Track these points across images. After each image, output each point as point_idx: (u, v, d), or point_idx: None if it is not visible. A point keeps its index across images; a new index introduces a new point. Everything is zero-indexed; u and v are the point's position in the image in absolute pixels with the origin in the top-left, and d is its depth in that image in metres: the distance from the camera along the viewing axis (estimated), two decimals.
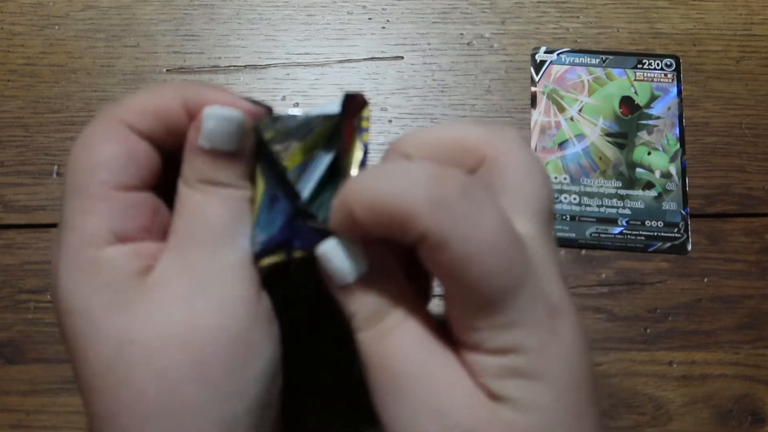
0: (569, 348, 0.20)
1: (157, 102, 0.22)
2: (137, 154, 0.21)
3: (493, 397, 0.19)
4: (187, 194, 0.21)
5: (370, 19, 0.39)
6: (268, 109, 0.23)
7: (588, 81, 0.38)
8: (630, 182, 0.37)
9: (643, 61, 0.38)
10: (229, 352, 0.20)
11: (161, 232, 0.22)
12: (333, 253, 0.21)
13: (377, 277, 0.21)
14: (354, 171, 0.24)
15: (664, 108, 0.38)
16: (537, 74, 0.38)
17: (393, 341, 0.20)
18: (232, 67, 0.38)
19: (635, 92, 0.38)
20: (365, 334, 0.21)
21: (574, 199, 0.36)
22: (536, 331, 0.19)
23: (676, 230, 0.36)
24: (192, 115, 0.22)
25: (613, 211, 0.36)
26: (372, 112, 0.37)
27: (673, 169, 0.37)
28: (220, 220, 0.21)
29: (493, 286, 0.18)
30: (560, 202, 0.36)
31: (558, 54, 0.38)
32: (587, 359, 0.20)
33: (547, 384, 0.19)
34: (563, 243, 0.36)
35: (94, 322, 0.20)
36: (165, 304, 0.20)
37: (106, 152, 0.21)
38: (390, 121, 0.37)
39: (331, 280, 0.21)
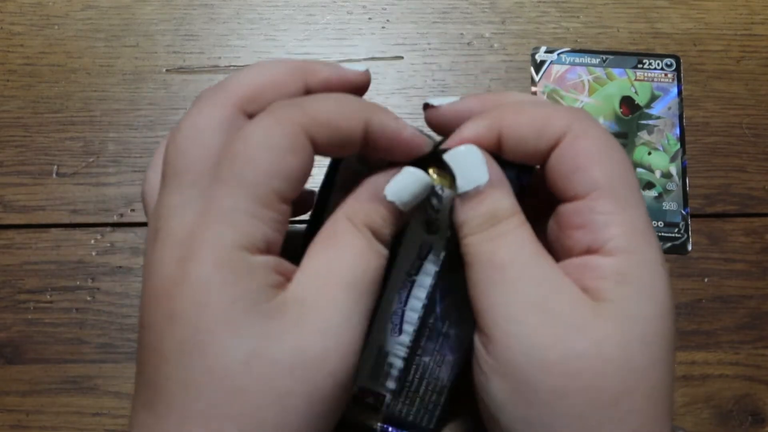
0: (666, 281, 0.22)
1: (342, 121, 0.21)
2: (309, 170, 0.21)
3: (598, 298, 0.21)
4: (349, 232, 0.22)
5: (370, 19, 0.39)
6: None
7: (588, 81, 0.38)
8: None
9: (644, 61, 0.38)
10: (336, 394, 0.20)
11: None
12: (471, 156, 0.23)
13: (499, 187, 0.23)
14: None
15: (664, 108, 0.38)
16: (537, 74, 0.38)
17: (506, 240, 0.22)
18: (232, 67, 0.38)
19: (635, 92, 0.38)
20: (478, 236, 0.22)
21: None
22: (645, 247, 0.21)
23: (676, 230, 0.36)
24: (373, 142, 0.22)
25: None
26: None
27: (673, 169, 0.37)
28: (366, 272, 0.22)
29: (614, 175, 0.22)
30: None
31: (558, 54, 0.38)
32: (673, 314, 0.22)
33: (649, 299, 0.21)
34: None
35: (230, 323, 0.19)
36: (305, 332, 0.20)
37: (292, 164, 0.20)
38: None
39: (461, 183, 0.23)
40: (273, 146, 0.20)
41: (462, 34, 0.39)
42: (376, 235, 0.22)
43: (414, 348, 0.27)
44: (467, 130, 0.23)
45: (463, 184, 0.23)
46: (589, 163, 0.22)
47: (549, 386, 0.20)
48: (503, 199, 0.22)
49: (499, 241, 0.22)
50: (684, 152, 0.37)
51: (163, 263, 0.20)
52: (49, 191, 0.35)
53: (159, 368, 0.20)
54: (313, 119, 0.21)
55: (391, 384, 0.27)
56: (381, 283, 0.22)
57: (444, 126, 0.25)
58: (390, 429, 0.28)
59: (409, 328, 0.26)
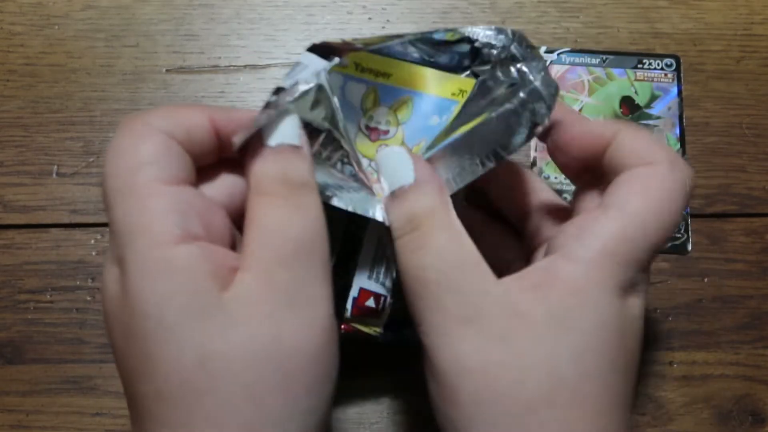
0: (613, 295, 0.21)
1: (179, 109, 0.22)
2: (175, 150, 0.21)
3: (537, 302, 0.21)
4: (263, 206, 0.21)
5: (370, 19, 0.39)
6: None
7: (588, 81, 0.38)
8: None
9: (644, 61, 0.38)
10: (312, 368, 0.20)
11: (221, 237, 0.22)
12: (399, 157, 0.23)
13: (422, 188, 0.23)
14: None
15: (664, 108, 0.38)
16: None
17: (427, 252, 0.22)
18: (232, 67, 0.38)
19: (635, 92, 0.38)
20: (402, 240, 0.22)
21: None
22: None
23: (676, 230, 0.36)
24: (218, 127, 0.22)
25: None
26: None
27: None
28: (304, 234, 0.21)
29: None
30: None
31: (558, 54, 0.38)
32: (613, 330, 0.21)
33: (590, 311, 0.20)
34: None
35: (172, 329, 0.19)
36: (252, 320, 0.20)
37: (147, 150, 0.20)
38: None
39: (390, 181, 0.23)
40: (124, 146, 0.21)
41: None
42: (291, 188, 0.21)
43: None
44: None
45: (390, 184, 0.23)
46: (630, 192, 0.22)
47: (468, 391, 0.20)
48: (423, 199, 0.22)
49: (420, 253, 0.22)
50: (684, 152, 0.37)
51: (109, 282, 0.20)
52: (49, 191, 0.35)
53: (133, 385, 0.20)
54: (153, 114, 0.21)
55: (388, 282, 0.26)
56: (321, 227, 0.21)
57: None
58: (389, 332, 0.27)
59: None
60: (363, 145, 0.27)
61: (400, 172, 0.23)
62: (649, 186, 0.21)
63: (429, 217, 0.22)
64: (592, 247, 0.21)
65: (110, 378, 0.33)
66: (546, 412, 0.20)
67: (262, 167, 0.21)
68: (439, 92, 0.26)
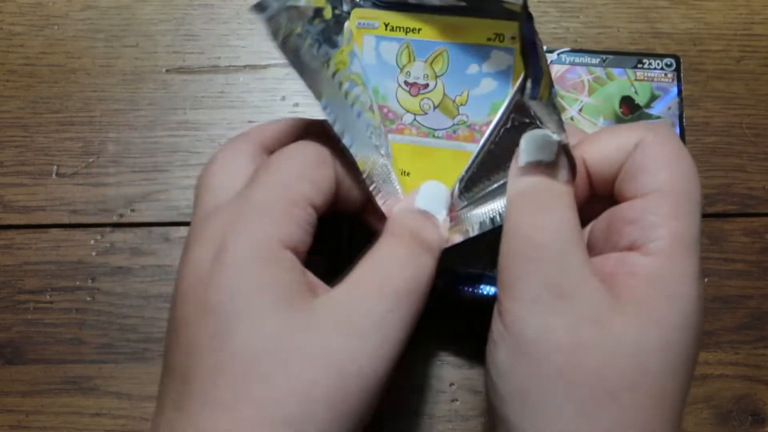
0: (698, 296, 0.21)
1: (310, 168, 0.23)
2: (333, 188, 0.23)
3: (623, 295, 0.21)
4: (391, 244, 0.23)
5: None
6: None
7: (588, 81, 0.38)
8: None
9: (644, 60, 0.38)
10: (363, 396, 0.20)
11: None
12: (544, 138, 0.23)
13: (562, 167, 0.23)
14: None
15: (664, 108, 0.38)
16: None
17: (549, 219, 0.22)
18: (231, 67, 0.38)
19: (635, 92, 0.38)
20: (523, 200, 0.22)
21: None
22: (687, 257, 0.21)
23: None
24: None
25: None
26: None
27: None
28: (412, 281, 0.22)
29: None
30: None
31: (558, 54, 0.38)
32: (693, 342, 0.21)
33: (677, 308, 0.21)
34: None
35: (259, 309, 0.20)
36: (331, 328, 0.20)
37: (321, 173, 0.23)
38: None
39: (529, 155, 0.23)
40: (304, 157, 0.23)
41: None
42: (420, 244, 0.23)
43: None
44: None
45: (528, 156, 0.23)
46: (656, 166, 0.22)
47: (553, 364, 0.20)
48: (561, 173, 0.23)
49: (541, 215, 0.22)
50: None
51: (198, 261, 0.21)
52: (49, 191, 0.35)
53: (191, 360, 0.20)
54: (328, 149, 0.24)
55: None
56: (426, 293, 0.23)
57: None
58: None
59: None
60: (406, 101, 0.27)
61: (544, 151, 0.23)
62: (664, 154, 0.22)
63: (559, 190, 0.22)
64: (662, 236, 0.21)
65: (110, 378, 0.33)
66: (627, 397, 0.20)
67: (403, 218, 0.24)
68: (472, 39, 0.27)
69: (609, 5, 0.39)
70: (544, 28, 0.39)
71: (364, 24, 0.27)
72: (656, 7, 0.39)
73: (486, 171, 0.26)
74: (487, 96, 0.27)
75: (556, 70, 0.38)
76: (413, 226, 0.24)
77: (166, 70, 0.37)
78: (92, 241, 0.35)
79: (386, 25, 0.27)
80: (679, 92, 0.38)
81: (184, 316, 0.21)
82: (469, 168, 0.26)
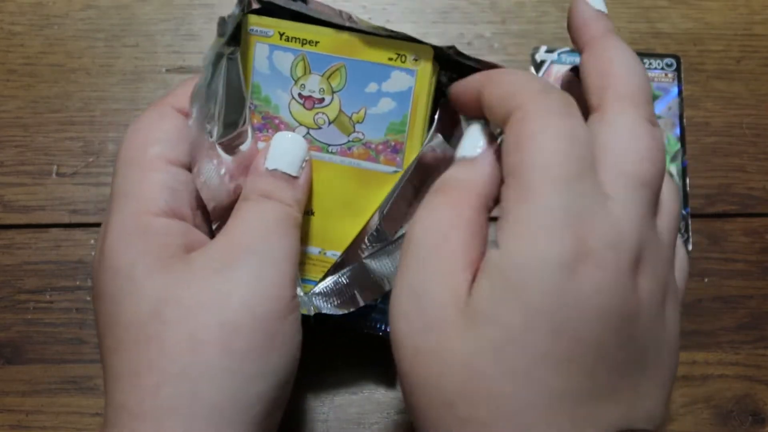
0: (557, 290, 0.18)
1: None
2: (186, 133, 0.24)
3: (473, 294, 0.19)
4: (244, 206, 0.24)
5: (370, 18, 0.39)
6: None
7: None
8: None
9: (644, 60, 0.38)
10: (255, 331, 0.21)
11: (203, 226, 0.24)
12: (474, 131, 0.22)
13: (477, 165, 0.22)
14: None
15: (664, 108, 0.38)
16: (537, 74, 0.38)
17: (438, 209, 0.21)
18: None
19: None
20: (429, 196, 0.22)
21: None
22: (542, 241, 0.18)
23: None
24: None
25: None
26: None
27: (673, 169, 0.37)
28: (269, 222, 0.23)
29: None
30: None
31: (558, 54, 0.38)
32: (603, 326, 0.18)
33: (520, 307, 0.18)
34: None
35: (135, 279, 0.21)
36: (205, 273, 0.21)
37: (161, 129, 0.23)
38: None
39: (461, 152, 0.22)
40: (143, 123, 0.24)
41: (462, 33, 0.39)
42: (270, 197, 0.24)
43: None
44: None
45: (460, 151, 0.22)
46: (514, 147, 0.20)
47: (408, 377, 0.20)
48: (466, 172, 0.22)
49: (419, 215, 0.22)
50: (684, 152, 0.37)
51: (94, 260, 0.23)
52: (49, 191, 0.35)
53: (101, 344, 0.22)
54: (178, 95, 0.25)
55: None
56: (294, 234, 0.24)
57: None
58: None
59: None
60: (299, 114, 0.27)
61: (471, 147, 0.22)
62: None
63: (460, 186, 0.21)
64: (508, 222, 0.19)
65: None
66: (464, 408, 0.18)
67: (253, 183, 0.24)
68: (373, 58, 0.26)
69: (609, 5, 0.39)
70: (544, 27, 0.39)
71: (257, 31, 0.26)
72: (656, 7, 0.39)
73: (405, 202, 0.26)
74: (385, 116, 0.26)
75: (556, 71, 0.38)
76: (263, 189, 0.24)
77: (166, 70, 0.37)
78: (92, 241, 0.35)
79: (281, 35, 0.26)
80: (680, 92, 0.38)
81: (94, 306, 0.23)
82: (389, 198, 0.27)
